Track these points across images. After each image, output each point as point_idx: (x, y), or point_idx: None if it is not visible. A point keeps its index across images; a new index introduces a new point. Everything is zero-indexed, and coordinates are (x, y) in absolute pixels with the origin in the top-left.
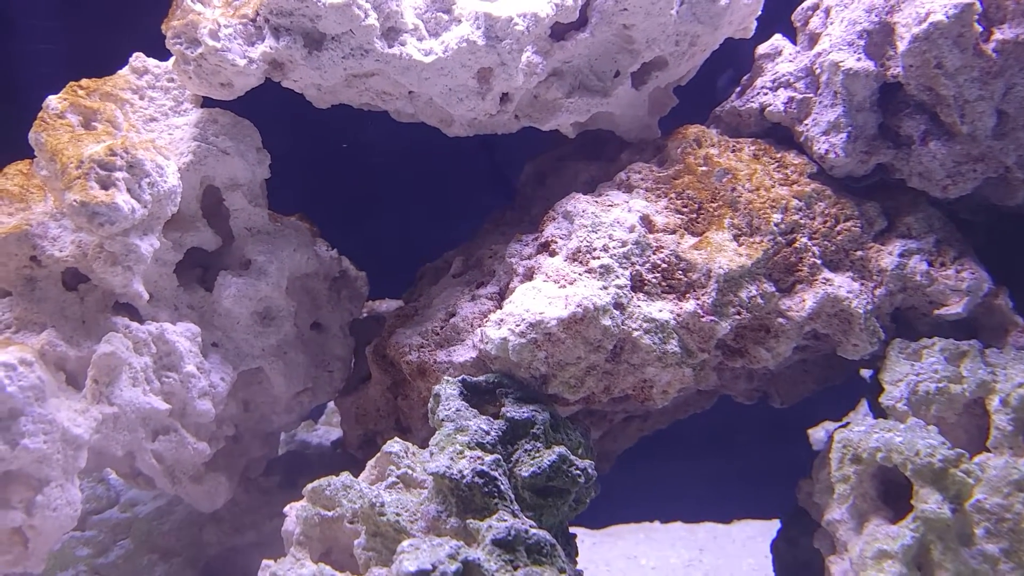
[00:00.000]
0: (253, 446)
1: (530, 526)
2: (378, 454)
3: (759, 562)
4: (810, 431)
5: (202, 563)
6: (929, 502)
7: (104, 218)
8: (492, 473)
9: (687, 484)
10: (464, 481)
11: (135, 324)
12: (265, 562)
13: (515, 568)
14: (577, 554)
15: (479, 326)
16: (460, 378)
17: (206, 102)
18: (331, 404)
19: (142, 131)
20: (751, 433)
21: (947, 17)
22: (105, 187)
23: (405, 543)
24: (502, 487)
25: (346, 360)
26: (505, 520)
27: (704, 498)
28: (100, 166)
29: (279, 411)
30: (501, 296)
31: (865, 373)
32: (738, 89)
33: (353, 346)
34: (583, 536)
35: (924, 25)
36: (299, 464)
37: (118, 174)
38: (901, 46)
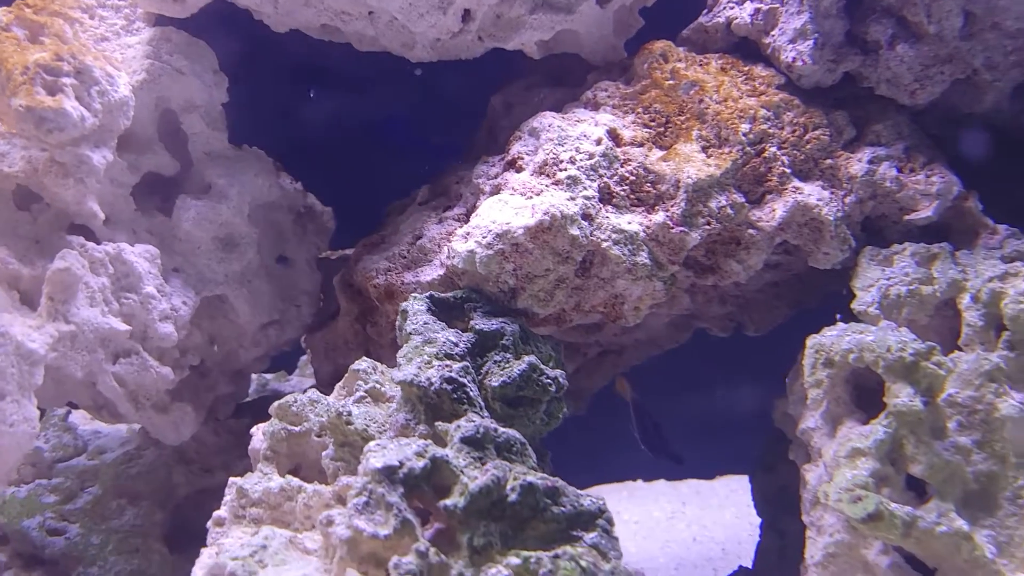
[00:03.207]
0: (220, 382)
1: (500, 426)
2: (346, 374)
3: (741, 511)
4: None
5: (172, 505)
6: (901, 396)
7: (52, 124)
8: (461, 379)
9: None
10: (432, 388)
11: (91, 243)
12: (232, 479)
13: (483, 464)
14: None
15: (446, 245)
16: (428, 294)
17: (159, 22)
18: (304, 356)
19: (93, 50)
20: (732, 388)
21: None
22: (52, 93)
23: (372, 443)
24: (471, 394)
25: (313, 294)
26: (473, 420)
27: (686, 455)
28: (46, 71)
29: (246, 344)
30: (468, 217)
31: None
32: (705, 9)
33: (320, 281)
34: None
35: None
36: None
37: (65, 79)
38: None
